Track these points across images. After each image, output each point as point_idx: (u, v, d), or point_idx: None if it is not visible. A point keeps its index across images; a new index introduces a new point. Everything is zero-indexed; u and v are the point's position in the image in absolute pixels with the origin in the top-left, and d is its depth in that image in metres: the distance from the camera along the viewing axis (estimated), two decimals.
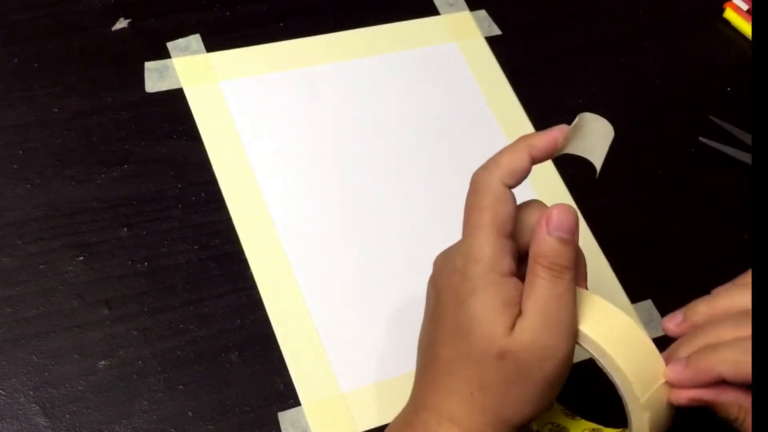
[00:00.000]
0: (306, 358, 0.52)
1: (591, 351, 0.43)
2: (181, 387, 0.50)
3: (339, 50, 0.66)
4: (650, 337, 0.58)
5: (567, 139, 0.43)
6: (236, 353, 0.52)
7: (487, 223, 0.42)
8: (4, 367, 0.49)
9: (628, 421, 0.44)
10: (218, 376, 0.51)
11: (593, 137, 0.43)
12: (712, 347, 0.42)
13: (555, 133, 0.43)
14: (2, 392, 0.48)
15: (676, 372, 0.43)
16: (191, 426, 0.49)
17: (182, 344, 0.51)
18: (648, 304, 0.60)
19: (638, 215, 0.64)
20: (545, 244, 0.42)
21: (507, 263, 0.42)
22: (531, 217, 0.43)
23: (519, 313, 0.42)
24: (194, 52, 0.62)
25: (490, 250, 0.42)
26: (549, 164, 0.64)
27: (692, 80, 0.73)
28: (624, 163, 0.66)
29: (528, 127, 0.65)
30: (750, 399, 0.42)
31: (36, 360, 0.49)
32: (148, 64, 0.61)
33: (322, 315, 0.54)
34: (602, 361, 0.43)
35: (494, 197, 0.42)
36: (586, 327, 0.42)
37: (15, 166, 0.56)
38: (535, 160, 0.43)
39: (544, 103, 0.67)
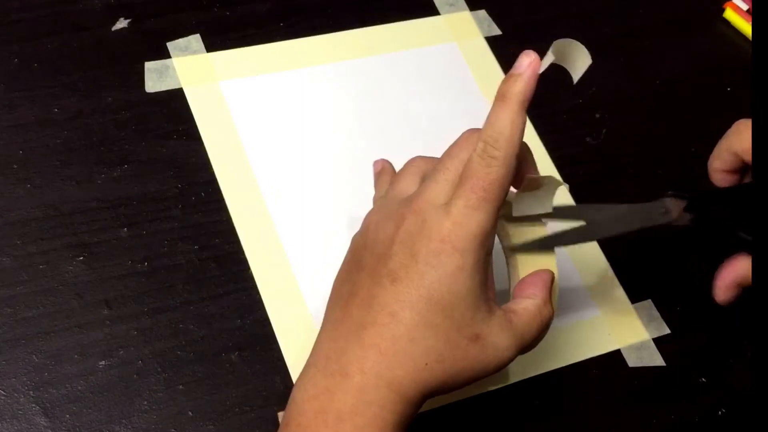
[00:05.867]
0: (306, 358, 0.52)
1: None
2: (181, 387, 0.50)
3: (339, 50, 0.66)
4: (651, 337, 0.58)
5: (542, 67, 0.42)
6: (236, 353, 0.52)
7: (496, 199, 0.41)
8: (4, 367, 0.49)
9: None
10: (218, 376, 0.51)
11: (571, 62, 0.43)
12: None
13: (534, 70, 0.42)
14: (2, 392, 0.48)
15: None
16: (191, 426, 0.49)
17: (182, 344, 0.51)
18: (648, 304, 0.60)
19: None
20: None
21: (493, 241, 0.42)
22: None
23: (493, 296, 0.42)
24: (194, 52, 0.62)
25: (490, 226, 0.41)
26: (548, 163, 0.64)
27: (692, 80, 0.72)
28: (623, 163, 0.66)
29: (527, 126, 0.65)
30: None
31: (36, 360, 0.49)
32: (148, 64, 0.61)
33: (322, 315, 0.53)
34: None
35: (508, 172, 0.42)
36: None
37: (15, 166, 0.55)
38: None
39: (544, 103, 0.67)
